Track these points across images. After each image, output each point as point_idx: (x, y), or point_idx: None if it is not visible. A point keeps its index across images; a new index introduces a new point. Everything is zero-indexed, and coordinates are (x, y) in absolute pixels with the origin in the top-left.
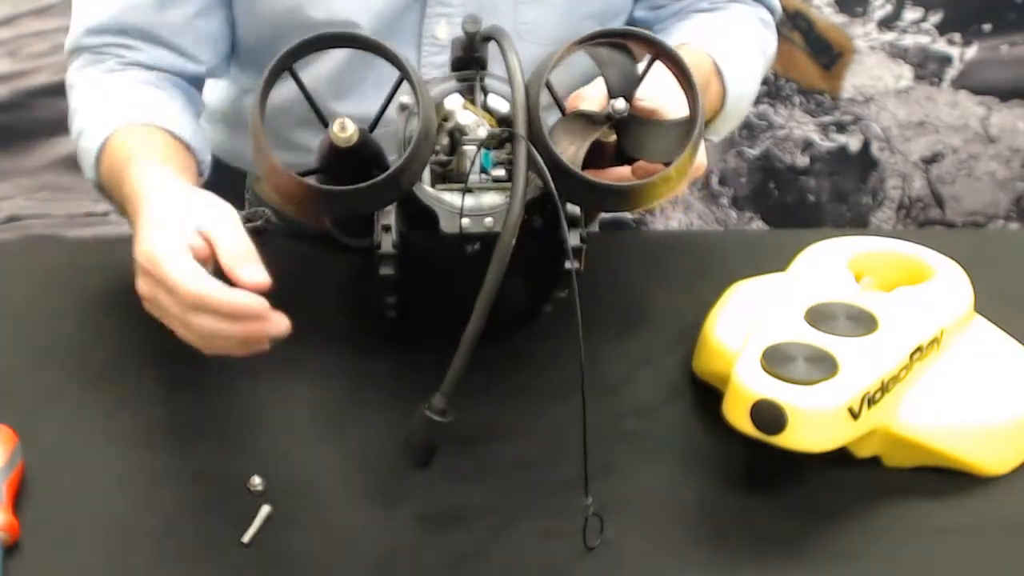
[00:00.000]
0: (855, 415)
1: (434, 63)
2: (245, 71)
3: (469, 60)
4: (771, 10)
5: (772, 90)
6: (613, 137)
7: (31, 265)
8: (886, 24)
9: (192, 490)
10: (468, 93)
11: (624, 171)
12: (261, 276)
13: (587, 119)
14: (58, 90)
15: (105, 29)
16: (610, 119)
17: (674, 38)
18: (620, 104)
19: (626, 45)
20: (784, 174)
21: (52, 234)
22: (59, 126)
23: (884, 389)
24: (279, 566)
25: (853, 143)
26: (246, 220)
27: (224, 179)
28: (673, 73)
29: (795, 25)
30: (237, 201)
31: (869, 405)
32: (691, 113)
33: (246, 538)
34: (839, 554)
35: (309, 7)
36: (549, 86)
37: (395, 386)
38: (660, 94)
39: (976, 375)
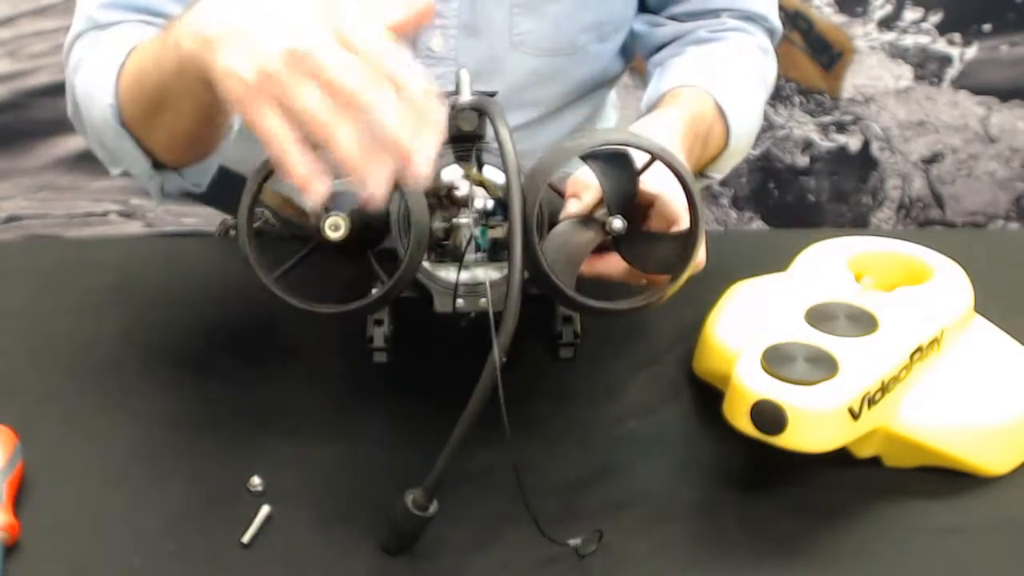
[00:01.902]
0: (855, 415)
1: (429, 75)
2: None
3: (466, 135)
4: (772, 34)
5: (772, 90)
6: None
7: (31, 265)
8: (886, 24)
9: (192, 490)
10: (465, 161)
11: (618, 265)
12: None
13: (583, 228)
14: (58, 90)
15: (120, 4)
16: (607, 234)
17: (673, 75)
18: (617, 224)
19: (625, 155)
20: (784, 174)
21: (52, 234)
22: (59, 126)
23: (884, 389)
24: (279, 566)
25: (853, 143)
26: None
27: (225, 183)
28: (676, 179)
29: (795, 25)
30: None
31: (869, 405)
32: (691, 226)
33: (246, 538)
34: (839, 554)
35: None
36: (552, 187)
37: (396, 386)
38: (664, 182)
39: (976, 375)
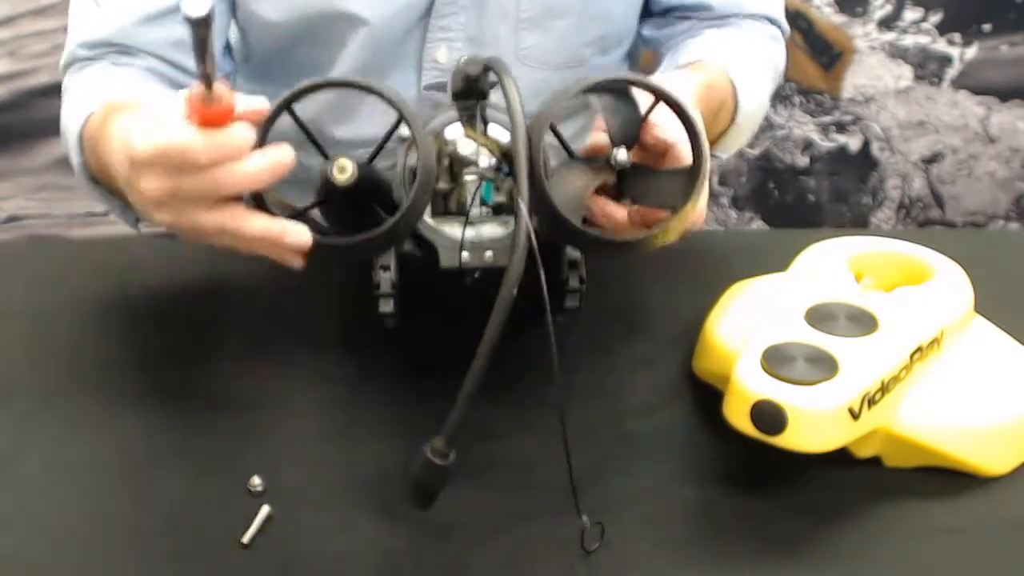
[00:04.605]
0: (855, 415)
1: (435, 86)
2: (255, 82)
3: (470, 91)
4: (781, 30)
5: (781, 78)
6: (613, 178)
7: (31, 265)
8: (886, 24)
9: (192, 490)
10: (469, 121)
11: (618, 211)
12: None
13: (588, 165)
14: (58, 90)
15: (98, 44)
16: (611, 168)
17: (686, 54)
18: (622, 155)
19: (628, 92)
20: (784, 174)
21: (52, 234)
22: (59, 126)
23: (884, 389)
24: (279, 567)
25: (853, 143)
26: None
27: None
28: (679, 118)
29: (795, 25)
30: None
31: (869, 405)
32: (694, 162)
33: (246, 538)
34: (839, 554)
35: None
36: (554, 129)
37: (396, 385)
38: (679, 130)
39: (976, 375)
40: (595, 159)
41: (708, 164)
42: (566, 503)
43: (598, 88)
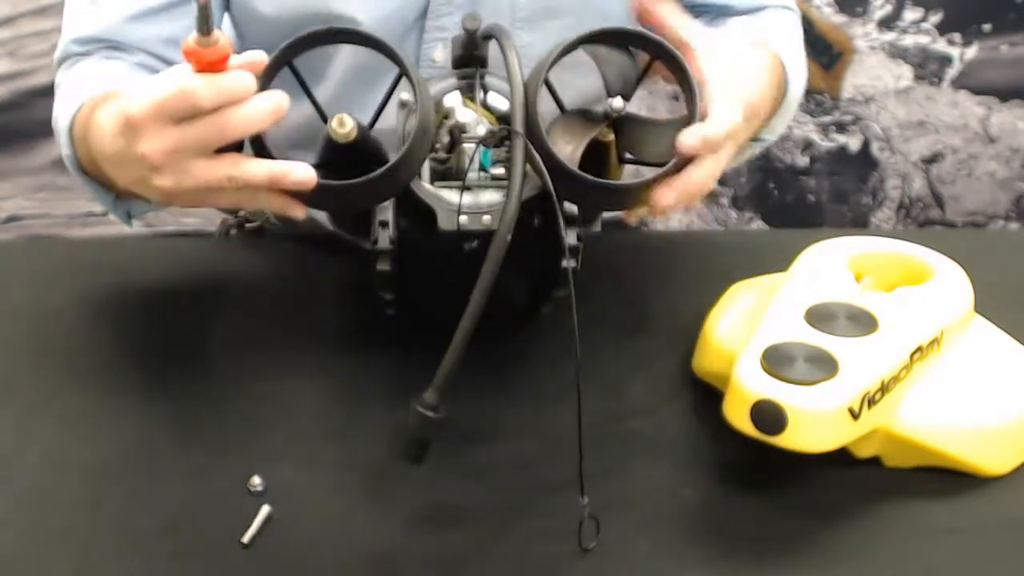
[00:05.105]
0: (855, 415)
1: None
2: None
3: (469, 58)
4: (796, 14)
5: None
6: (612, 136)
7: (31, 265)
8: (886, 24)
9: (192, 490)
10: (468, 91)
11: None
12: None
13: (585, 117)
14: None
15: (90, 40)
16: (608, 118)
17: (730, 29)
18: (617, 103)
19: (625, 44)
20: (784, 174)
21: (52, 234)
22: None
23: (884, 389)
24: (279, 566)
25: (853, 143)
26: (246, 220)
27: None
28: (673, 73)
29: None
30: None
31: (869, 405)
32: (688, 114)
33: (246, 538)
34: (839, 554)
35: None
36: (548, 84)
37: (395, 385)
38: (709, 71)
39: (976, 375)
40: (590, 111)
41: (700, 117)
42: (566, 503)
43: (595, 39)
